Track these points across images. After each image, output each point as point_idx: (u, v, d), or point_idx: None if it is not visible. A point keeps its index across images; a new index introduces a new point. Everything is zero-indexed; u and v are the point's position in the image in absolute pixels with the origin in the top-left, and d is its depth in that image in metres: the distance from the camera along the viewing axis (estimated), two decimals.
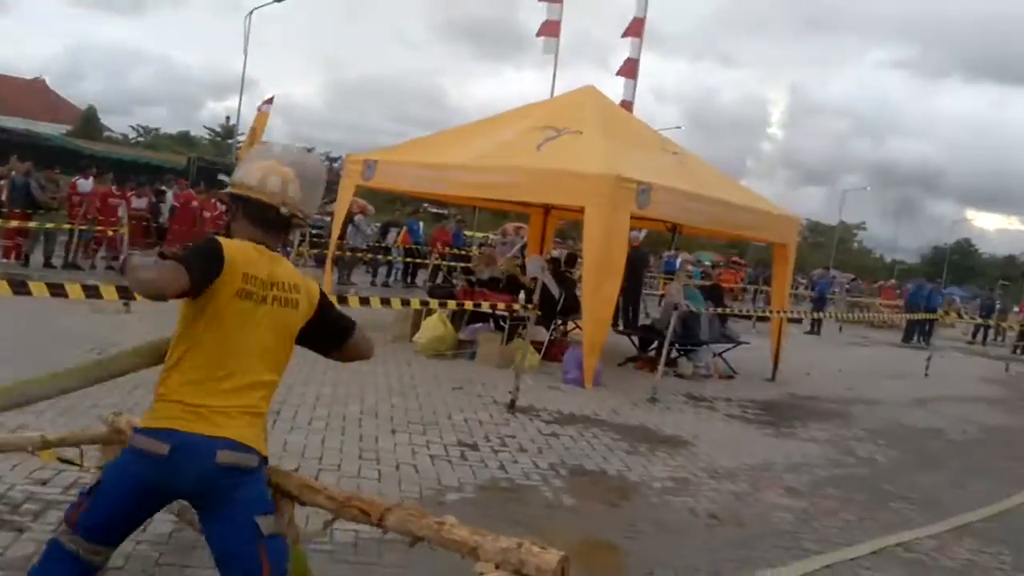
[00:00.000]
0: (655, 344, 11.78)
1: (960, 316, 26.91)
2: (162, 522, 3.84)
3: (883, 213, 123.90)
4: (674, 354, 11.28)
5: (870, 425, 9.72)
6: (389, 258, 21.05)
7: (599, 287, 9.57)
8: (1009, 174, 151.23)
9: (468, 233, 27.34)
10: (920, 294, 25.14)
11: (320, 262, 15.30)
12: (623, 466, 6.48)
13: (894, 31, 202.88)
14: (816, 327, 22.61)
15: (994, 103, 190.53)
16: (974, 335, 28.66)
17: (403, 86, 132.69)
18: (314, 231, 18.35)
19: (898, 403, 11.69)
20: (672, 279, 24.43)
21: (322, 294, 2.90)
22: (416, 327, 10.81)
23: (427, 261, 21.08)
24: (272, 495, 2.73)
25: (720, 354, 11.91)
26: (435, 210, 34.77)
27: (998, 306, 33.28)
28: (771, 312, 12.41)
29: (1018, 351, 24.22)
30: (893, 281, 43.62)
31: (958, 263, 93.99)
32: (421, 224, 23.24)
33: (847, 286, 35.87)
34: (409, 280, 21.10)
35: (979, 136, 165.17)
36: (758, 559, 4.88)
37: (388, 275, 21.28)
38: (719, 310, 11.67)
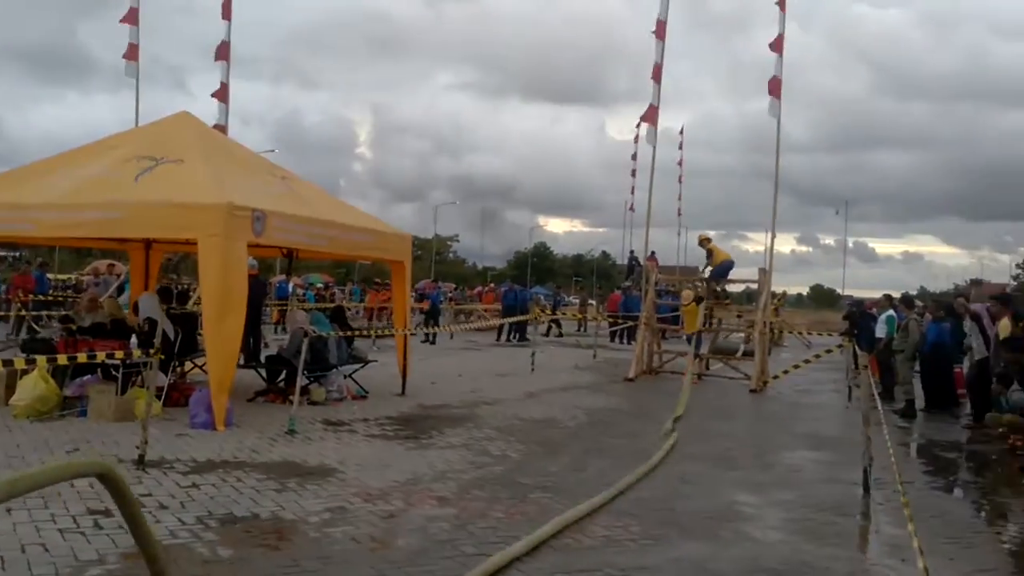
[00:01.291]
0: (283, 374, 11.54)
1: (553, 313, 29.74)
2: None
3: (470, 224, 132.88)
4: (304, 381, 11.11)
5: (496, 423, 10.38)
6: None
7: (222, 322, 9.11)
8: (569, 183, 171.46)
9: (50, 276, 24.56)
10: (517, 296, 27.40)
11: None
12: (276, 506, 6.24)
13: (456, 55, 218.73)
14: (432, 337, 23.63)
15: (551, 120, 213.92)
16: (547, 329, 31.92)
17: None
18: None
19: (515, 399, 12.62)
20: (285, 305, 24.10)
21: None
22: (11, 389, 9.49)
23: (8, 313, 18.53)
24: None
25: (350, 375, 11.96)
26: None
27: (573, 300, 36.81)
28: (395, 329, 12.72)
29: (614, 339, 27.20)
30: (492, 285, 47.02)
31: (538, 265, 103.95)
32: None
33: (450, 295, 37.95)
34: None
35: (542, 150, 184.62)
36: (427, 575, 4.96)
37: None
38: (345, 332, 11.71)
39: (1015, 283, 75.61)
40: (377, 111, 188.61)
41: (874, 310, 18.15)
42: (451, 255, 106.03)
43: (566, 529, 5.94)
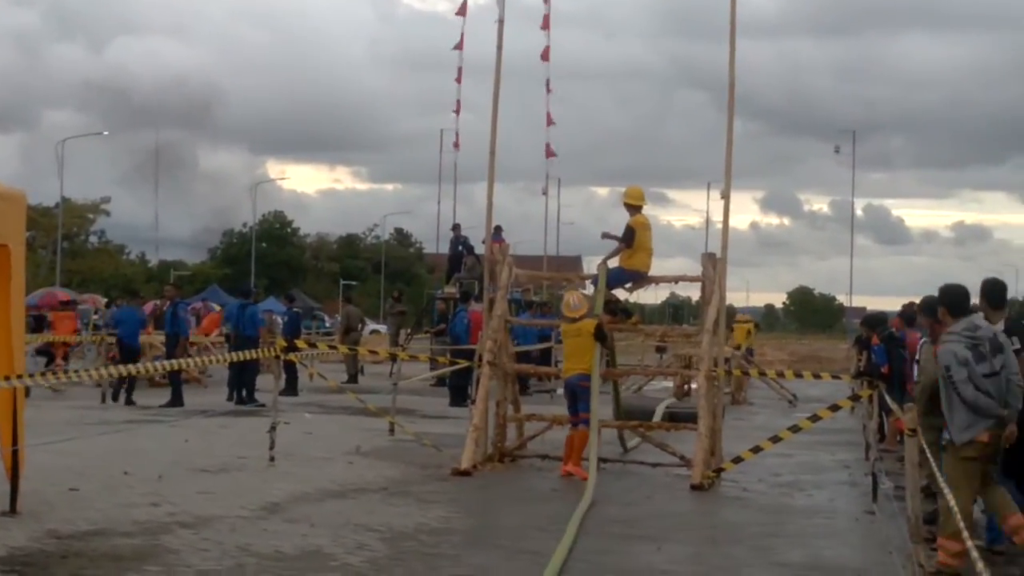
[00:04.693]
0: None
1: (289, 347, 29.80)
2: None
3: (132, 179, 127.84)
4: None
5: (208, 565, 10.30)
6: None
7: None
8: (327, 99, 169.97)
9: None
10: (241, 316, 27.35)
11: None
12: None
13: None
14: (114, 393, 24.07)
15: None
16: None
17: None
18: None
19: (243, 515, 12.54)
20: None
21: None
22: None
23: None
24: None
25: None
26: None
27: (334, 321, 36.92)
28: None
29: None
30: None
31: (271, 257, 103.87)
32: None
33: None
34: None
35: (269, 31, 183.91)
36: None
37: None
38: None
39: None
40: None
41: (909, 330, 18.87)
42: (94, 238, 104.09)
43: None
